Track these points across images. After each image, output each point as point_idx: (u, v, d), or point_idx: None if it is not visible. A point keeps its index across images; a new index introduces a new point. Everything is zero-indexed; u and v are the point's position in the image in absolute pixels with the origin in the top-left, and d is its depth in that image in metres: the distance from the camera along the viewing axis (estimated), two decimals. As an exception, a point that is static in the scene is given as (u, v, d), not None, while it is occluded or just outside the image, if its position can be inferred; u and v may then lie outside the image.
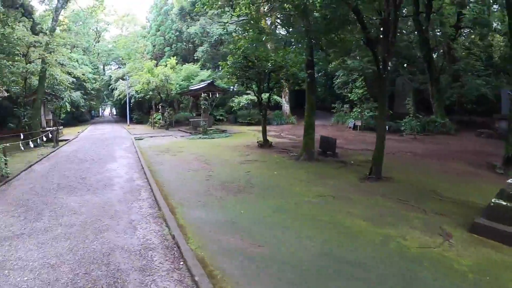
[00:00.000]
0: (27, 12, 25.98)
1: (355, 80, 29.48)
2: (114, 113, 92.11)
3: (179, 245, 5.92)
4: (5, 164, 12.23)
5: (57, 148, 20.14)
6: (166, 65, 34.61)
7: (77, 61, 43.04)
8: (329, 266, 5.19)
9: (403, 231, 6.34)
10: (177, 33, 47.07)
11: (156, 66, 36.21)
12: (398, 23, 11.21)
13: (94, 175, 12.09)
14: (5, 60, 13.54)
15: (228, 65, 17.77)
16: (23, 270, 5.24)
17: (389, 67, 10.93)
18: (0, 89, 12.80)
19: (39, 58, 21.72)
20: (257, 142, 18.40)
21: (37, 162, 15.40)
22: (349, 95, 29.85)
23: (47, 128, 24.13)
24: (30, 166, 14.28)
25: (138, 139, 23.55)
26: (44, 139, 19.65)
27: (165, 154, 16.40)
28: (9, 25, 14.19)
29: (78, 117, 49.87)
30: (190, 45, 50.08)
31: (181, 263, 5.39)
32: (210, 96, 26.93)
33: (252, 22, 15.60)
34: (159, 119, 34.83)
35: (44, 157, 16.89)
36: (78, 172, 12.64)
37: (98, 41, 65.64)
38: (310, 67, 15.01)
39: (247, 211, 7.80)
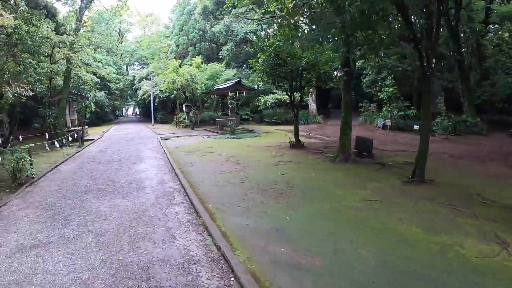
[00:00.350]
0: (51, 14, 25.73)
1: (384, 78, 28.33)
2: (138, 112, 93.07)
3: (226, 257, 5.17)
4: (31, 164, 11.75)
5: (83, 148, 19.75)
6: (191, 65, 34.00)
7: (100, 61, 42.96)
8: (391, 278, 4.61)
9: (459, 239, 5.80)
10: (201, 32, 46.39)
11: (180, 65, 35.69)
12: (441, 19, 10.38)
13: (123, 176, 11.47)
14: (30, 59, 12.97)
15: (258, 63, 17.01)
16: (51, 286, 4.56)
17: (433, 65, 10.10)
18: (25, 87, 12.20)
19: (63, 58, 21.43)
20: (289, 142, 17.56)
21: (62, 162, 14.97)
22: (379, 94, 28.75)
23: (72, 128, 23.84)
24: (56, 167, 13.83)
25: (165, 139, 22.98)
26: (70, 139, 19.24)
27: (194, 155, 15.71)
28: (33, 24, 13.67)
29: (102, 116, 49.93)
30: (213, 44, 49.61)
31: (232, 279, 4.67)
32: (237, 95, 26.19)
33: (287, 18, 14.74)
34: (184, 119, 34.31)
35: (70, 157, 16.48)
36: (106, 174, 12.06)
37: (121, 42, 65.97)
38: (347, 65, 14.15)
39: (292, 217, 7.04)
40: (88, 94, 24.02)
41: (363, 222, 6.67)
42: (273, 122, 32.53)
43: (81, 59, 21.73)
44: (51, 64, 20.97)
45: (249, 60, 19.10)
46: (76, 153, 17.94)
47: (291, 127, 28.80)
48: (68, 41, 20.65)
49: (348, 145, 13.73)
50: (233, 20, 37.80)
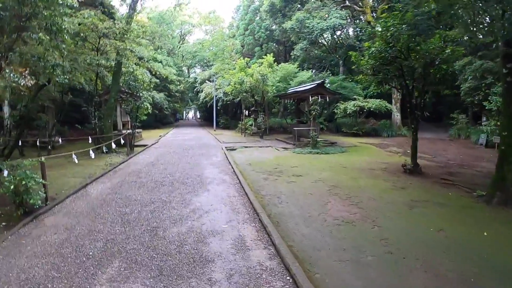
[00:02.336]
0: (108, 12, 22.78)
1: (490, 85, 22.27)
2: (198, 116, 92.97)
3: None
4: (44, 187, 7.98)
5: (131, 157, 16.01)
6: (261, 63, 29.52)
7: (161, 62, 40.77)
8: None
9: None
10: (268, 32, 43.48)
11: (248, 65, 31.55)
12: None
13: (173, 223, 6.80)
14: (40, 34, 8.67)
15: (369, 54, 12.08)
16: None
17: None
18: (24, 74, 7.96)
19: (110, 50, 17.86)
20: (403, 166, 12.37)
21: (97, 178, 11.22)
22: (485, 103, 22.85)
23: (123, 131, 20.24)
24: (84, 186, 10.08)
25: (230, 150, 18.55)
26: (114, 145, 15.33)
27: (277, 179, 10.88)
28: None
29: (162, 119, 47.87)
30: (280, 46, 46.80)
31: None
32: (319, 99, 21.23)
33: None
34: (251, 125, 30.05)
35: (110, 170, 12.71)
36: (147, 211, 7.57)
37: (182, 43, 64.47)
38: (510, 59, 8.83)
39: None
40: (141, 93, 20.14)
41: None
42: (351, 133, 27.38)
43: (130, 49, 17.68)
44: (97, 55, 17.40)
45: (351, 52, 14.09)
46: (121, 163, 14.28)
47: (375, 140, 23.83)
48: (117, 28, 17.01)
49: (511, 179, 8.58)
50: (307, 15, 33.49)
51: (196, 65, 66.48)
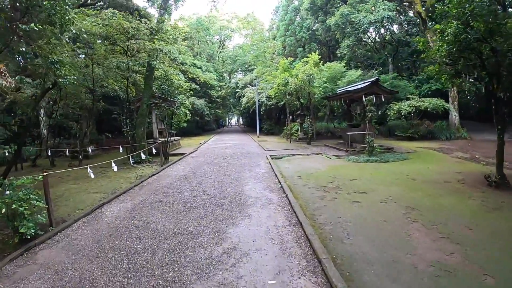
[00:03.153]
0: (143, 18, 21.79)
1: None
2: (241, 122, 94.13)
3: None
4: (48, 208, 6.76)
5: (164, 168, 14.37)
6: (307, 62, 27.23)
7: (200, 68, 39.87)
8: None
9: None
10: (309, 31, 41.79)
11: (291, 65, 29.61)
12: None
13: (198, 273, 4.63)
14: (32, 24, 6.96)
15: (441, 39, 9.62)
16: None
17: None
18: (5, 77, 6.33)
19: (139, 53, 16.47)
20: (487, 177, 9.74)
21: (118, 196, 9.70)
22: None
23: (159, 139, 18.83)
24: (101, 206, 8.57)
25: (276, 158, 16.47)
26: (143, 156, 13.89)
27: (336, 198, 8.59)
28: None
29: (203, 126, 47.24)
30: (323, 47, 44.65)
31: None
32: (374, 99, 18.62)
33: None
34: (297, 130, 27.86)
35: (137, 184, 11.11)
36: (165, 250, 5.56)
37: (223, 49, 64.57)
38: None
39: None
40: (176, 98, 18.58)
41: None
42: (406, 136, 24.57)
43: (161, 49, 15.98)
44: (126, 58, 16.04)
45: (418, 38, 11.64)
46: (151, 176, 12.67)
47: (434, 144, 20.66)
48: (146, 29, 15.86)
49: None
50: (351, 10, 31.33)
51: (238, 69, 65.58)
